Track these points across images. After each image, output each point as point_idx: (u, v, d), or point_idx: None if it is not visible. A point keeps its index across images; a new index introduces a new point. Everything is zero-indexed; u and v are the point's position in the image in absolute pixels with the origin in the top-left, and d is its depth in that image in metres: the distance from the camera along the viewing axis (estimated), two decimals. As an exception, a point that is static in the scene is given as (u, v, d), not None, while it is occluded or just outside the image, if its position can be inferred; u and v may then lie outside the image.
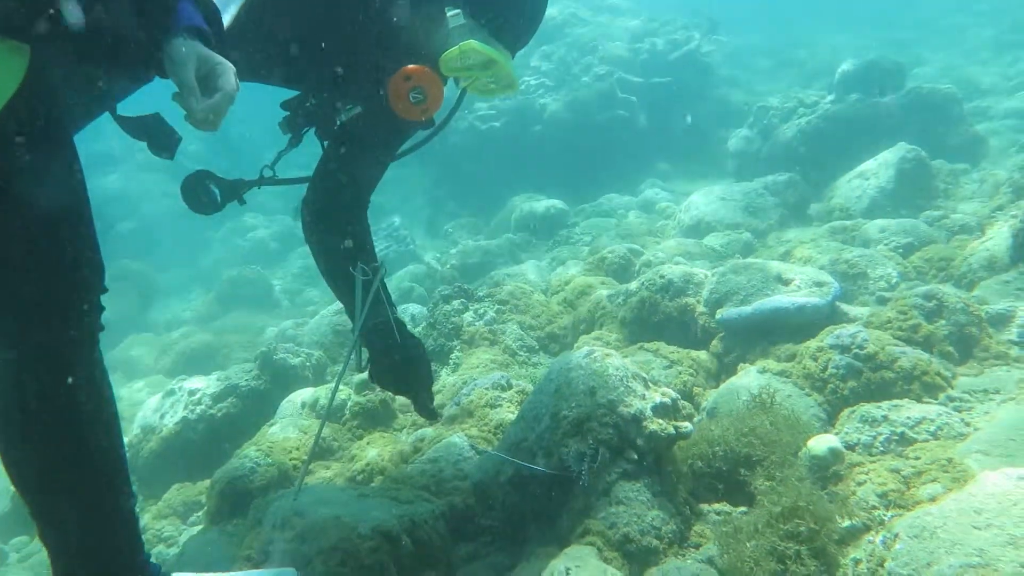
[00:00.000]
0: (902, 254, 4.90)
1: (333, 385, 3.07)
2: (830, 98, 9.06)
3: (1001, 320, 3.61)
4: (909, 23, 19.86)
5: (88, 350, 1.88)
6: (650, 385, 3.03)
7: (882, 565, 2.10)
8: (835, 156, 7.92)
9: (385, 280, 3.08)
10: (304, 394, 4.55)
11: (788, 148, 8.72)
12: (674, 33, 13.21)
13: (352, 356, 3.04)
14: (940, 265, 4.57)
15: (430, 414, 3.15)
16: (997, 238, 4.38)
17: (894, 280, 4.48)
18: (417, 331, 5.60)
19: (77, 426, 1.86)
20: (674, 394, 2.94)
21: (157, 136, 2.06)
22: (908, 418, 2.83)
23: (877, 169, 6.67)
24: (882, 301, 4.22)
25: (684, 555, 2.67)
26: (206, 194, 2.86)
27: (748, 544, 2.32)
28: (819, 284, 3.89)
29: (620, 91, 12.21)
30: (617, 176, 11.03)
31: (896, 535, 2.15)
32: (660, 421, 2.86)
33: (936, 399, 3.09)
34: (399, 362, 3.02)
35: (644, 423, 2.85)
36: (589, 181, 10.92)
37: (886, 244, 5.05)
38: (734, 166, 9.78)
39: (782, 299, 3.83)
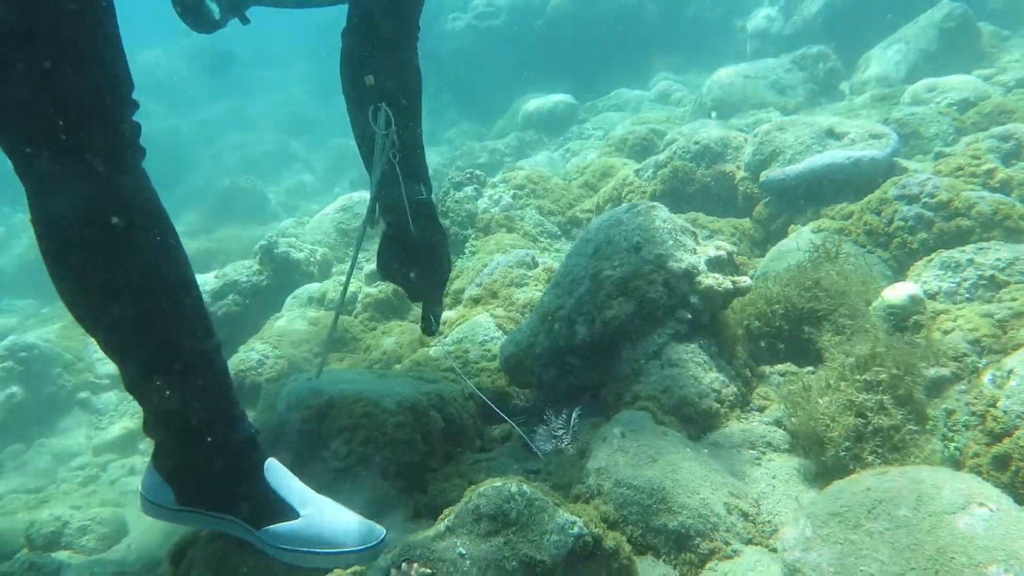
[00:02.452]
0: (957, 111, 4.48)
1: (355, 248, 2.59)
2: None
3: (1082, 162, 3.24)
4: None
5: (136, 155, 1.69)
6: (702, 239, 2.69)
7: (994, 405, 1.79)
8: (866, 28, 7.35)
9: (421, 149, 2.48)
10: (311, 288, 4.24)
11: (814, 23, 8.12)
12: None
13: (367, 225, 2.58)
14: (1001, 119, 4.15)
15: (429, 326, 2.51)
16: (1065, 85, 3.95)
17: (951, 137, 4.08)
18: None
19: (135, 232, 1.67)
20: (730, 247, 2.60)
21: None
22: (998, 260, 2.48)
23: (918, 31, 6.15)
24: (940, 158, 3.83)
25: (747, 418, 2.38)
26: (203, 9, 2.42)
27: (821, 400, 2.02)
28: (876, 136, 3.50)
29: (627, -23, 11.48)
30: (627, 70, 10.45)
31: (1010, 371, 1.83)
32: (715, 276, 2.53)
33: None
34: (410, 250, 2.43)
35: (697, 278, 2.52)
36: (597, 77, 10.36)
37: (938, 103, 4.62)
38: (753, 49, 9.18)
39: (835, 153, 3.44)
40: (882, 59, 6.38)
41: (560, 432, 1.67)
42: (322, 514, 1.93)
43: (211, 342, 1.86)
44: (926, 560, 1.29)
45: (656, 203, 2.74)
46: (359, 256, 5.05)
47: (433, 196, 2.46)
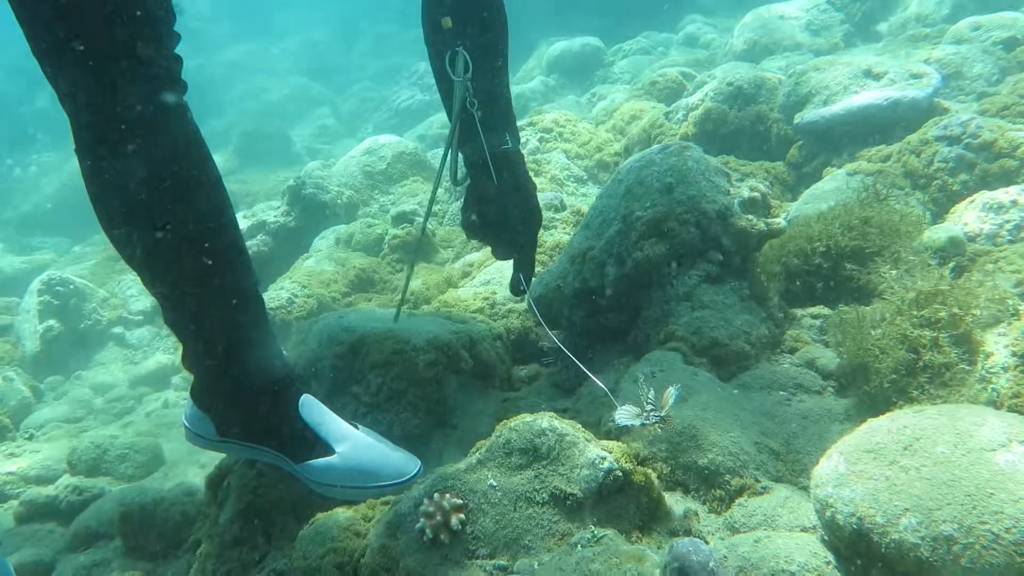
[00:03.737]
0: (1003, 49, 4.32)
1: (431, 192, 2.41)
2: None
3: None
4: None
5: (180, 85, 1.69)
6: (735, 181, 2.64)
7: (1040, 347, 1.76)
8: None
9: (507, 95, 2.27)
10: (338, 230, 4.25)
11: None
12: None
13: (446, 171, 2.31)
14: (1049, 59, 4.01)
15: (517, 286, 2.38)
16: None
17: (995, 77, 3.94)
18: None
19: (179, 154, 1.68)
20: (764, 188, 2.55)
21: None
22: (1043, 201, 2.42)
23: (962, -33, 5.91)
24: (983, 98, 3.71)
25: (778, 360, 2.37)
26: None
27: (873, 332, 2.00)
28: (916, 76, 3.39)
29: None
30: (654, 13, 10.18)
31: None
32: (749, 217, 2.50)
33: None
34: (495, 205, 2.27)
35: (731, 220, 2.48)
36: (624, 20, 10.10)
37: (983, 41, 4.46)
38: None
39: (874, 94, 3.35)
40: (923, -3, 6.16)
41: (650, 409, 1.60)
42: (357, 450, 1.97)
43: (250, 278, 1.88)
44: (963, 496, 1.28)
45: (689, 143, 2.69)
46: (391, 200, 5.05)
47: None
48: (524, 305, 3.03)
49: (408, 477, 1.95)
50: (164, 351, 4.26)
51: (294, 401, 1.98)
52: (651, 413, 1.61)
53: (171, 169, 1.66)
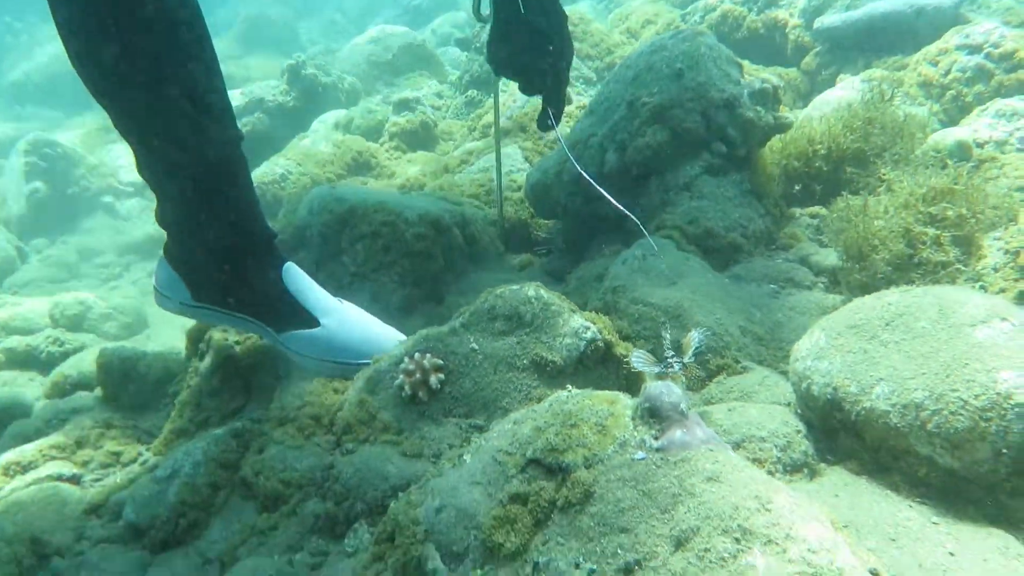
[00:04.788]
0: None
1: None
2: None
3: None
4: None
5: None
6: (747, 69, 2.56)
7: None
8: None
9: None
10: (338, 114, 4.16)
11: None
12: None
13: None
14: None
15: (544, 120, 2.27)
16: None
17: (1024, -4, 3.80)
18: (463, 57, 5.08)
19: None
20: (776, 81, 2.48)
21: None
22: (1059, 111, 2.36)
23: None
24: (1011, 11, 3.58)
25: (772, 256, 2.35)
26: None
27: (875, 223, 1.97)
28: (944, -16, 3.26)
29: None
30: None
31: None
32: (757, 108, 2.44)
33: (1084, 101, 2.59)
34: (523, 35, 2.12)
35: (738, 110, 2.42)
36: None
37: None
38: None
39: (897, 0, 3.23)
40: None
41: (670, 355, 1.53)
42: (344, 324, 1.89)
43: (234, 134, 1.76)
44: (939, 366, 1.28)
45: (703, 29, 2.60)
46: (394, 92, 4.93)
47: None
48: (520, 194, 2.98)
49: None
50: (155, 222, 4.20)
51: (277, 268, 1.87)
52: (672, 359, 1.55)
53: (161, 27, 1.56)
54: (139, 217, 4.40)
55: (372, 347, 1.86)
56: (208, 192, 1.74)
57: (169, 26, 1.57)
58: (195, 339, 2.15)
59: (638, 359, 1.52)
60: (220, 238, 1.79)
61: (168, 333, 2.66)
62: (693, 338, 1.59)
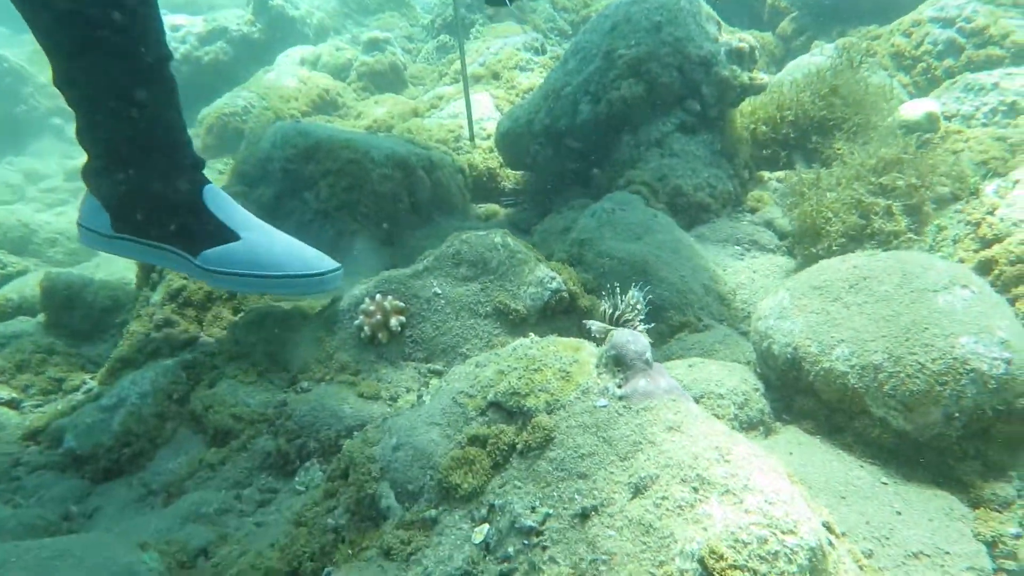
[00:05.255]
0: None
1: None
2: None
3: None
4: None
5: None
6: (724, 29, 2.53)
7: (992, 213, 1.76)
8: None
9: None
10: (304, 49, 4.02)
11: None
12: None
13: None
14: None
15: None
16: None
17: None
18: (433, 3, 4.95)
19: None
20: (753, 41, 2.45)
21: None
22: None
23: None
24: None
25: (739, 217, 2.35)
26: None
27: (829, 194, 1.98)
28: (923, -43, 3.25)
29: None
30: None
31: (1016, 181, 1.79)
32: (734, 67, 2.41)
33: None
34: None
35: (714, 68, 2.40)
36: None
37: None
38: None
39: (877, -30, 3.21)
40: None
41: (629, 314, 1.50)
42: (265, 237, 1.72)
43: (162, 49, 1.61)
44: (899, 329, 1.29)
45: (684, -17, 2.55)
46: (363, 32, 4.78)
47: None
48: (489, 143, 2.93)
49: (320, 272, 1.69)
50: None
51: (198, 190, 1.72)
52: (633, 318, 1.55)
53: None
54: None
55: (296, 260, 1.69)
56: (132, 109, 1.60)
57: None
58: (147, 268, 2.08)
59: (597, 326, 1.52)
60: (143, 156, 1.66)
61: (119, 262, 2.56)
62: (634, 296, 1.59)
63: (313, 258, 1.70)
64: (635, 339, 1.16)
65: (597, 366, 1.16)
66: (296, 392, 1.66)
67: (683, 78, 2.40)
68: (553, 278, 1.78)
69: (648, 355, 1.14)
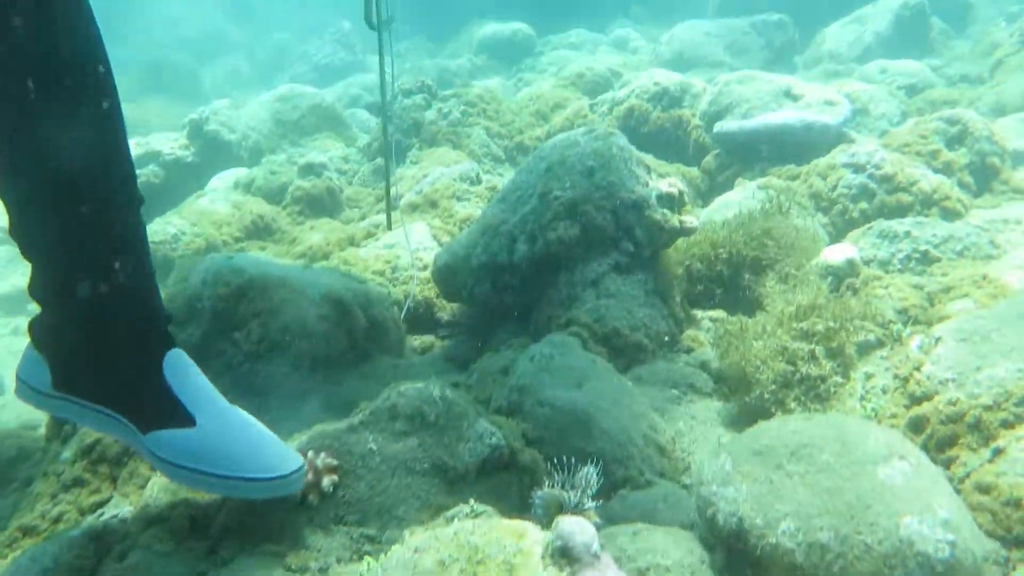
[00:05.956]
0: (905, 94, 4.55)
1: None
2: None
3: (1019, 158, 3.33)
4: None
5: None
6: (654, 174, 2.64)
7: (919, 369, 1.83)
8: (824, 5, 7.42)
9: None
10: (239, 172, 4.01)
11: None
12: None
13: None
14: (944, 108, 4.24)
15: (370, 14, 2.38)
16: (1009, 83, 4.05)
17: (896, 119, 4.14)
18: (372, 124, 5.05)
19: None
20: (682, 185, 2.56)
21: None
22: (934, 235, 2.54)
23: (876, 14, 6.22)
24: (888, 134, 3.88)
25: (674, 358, 2.38)
26: None
27: (755, 343, 2.03)
28: (830, 104, 3.51)
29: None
30: (587, 13, 10.22)
31: (938, 339, 1.87)
32: (664, 211, 2.50)
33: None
34: None
35: (646, 212, 2.48)
36: (557, 15, 10.07)
37: (888, 83, 4.68)
38: (715, 8, 9.10)
39: (790, 114, 3.44)
40: (837, 37, 6.45)
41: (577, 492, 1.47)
42: (225, 427, 1.54)
43: (130, 191, 1.51)
44: (844, 505, 1.29)
45: (615, 130, 2.67)
46: (299, 153, 4.82)
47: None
48: (426, 273, 2.93)
49: (282, 475, 1.50)
50: (23, 272, 3.84)
51: (159, 355, 1.56)
52: (581, 497, 1.47)
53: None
54: (5, 267, 4.01)
55: (255, 461, 1.51)
56: (99, 259, 1.49)
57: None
58: (55, 429, 1.95)
59: (541, 500, 1.45)
60: (106, 312, 1.51)
61: (24, 406, 2.38)
62: (589, 476, 1.52)
63: (276, 458, 1.53)
64: (582, 529, 1.12)
65: (543, 556, 1.11)
66: (216, 565, 1.55)
67: (616, 221, 2.47)
68: (493, 433, 1.74)
69: (595, 547, 1.10)
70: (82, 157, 1.43)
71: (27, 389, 1.62)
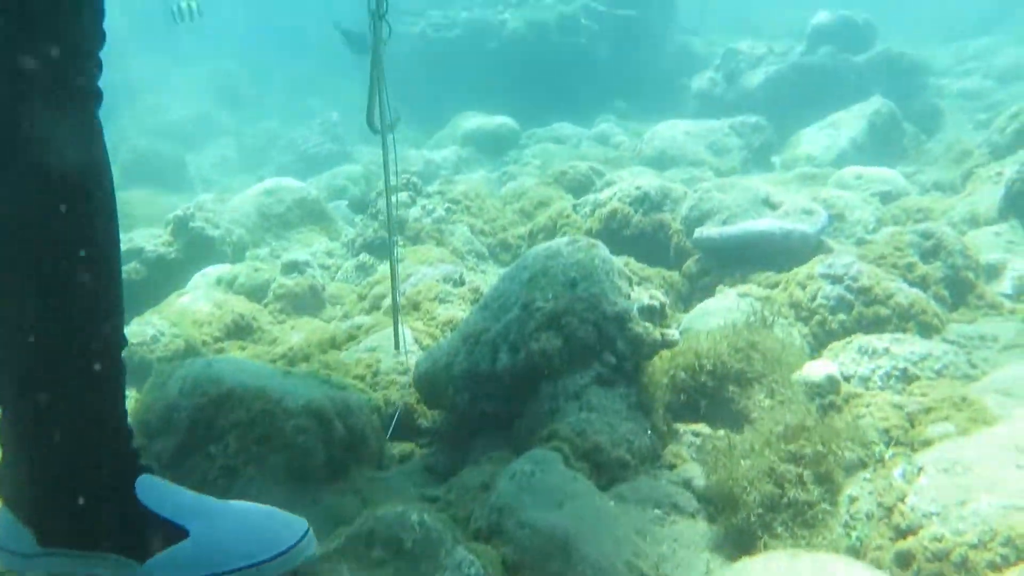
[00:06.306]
0: (880, 201, 4.69)
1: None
2: (800, 49, 8.81)
3: (992, 272, 3.41)
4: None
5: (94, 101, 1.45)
6: (635, 285, 2.67)
7: (903, 500, 1.82)
8: (801, 108, 7.76)
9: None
10: (221, 269, 4.01)
11: (754, 94, 8.47)
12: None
13: None
14: (918, 216, 4.38)
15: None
16: (980, 194, 4.19)
17: (872, 226, 4.25)
18: (357, 220, 5.12)
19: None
20: (663, 298, 2.59)
21: None
22: (912, 352, 2.57)
23: (849, 120, 6.48)
24: (861, 243, 3.98)
25: (657, 475, 2.35)
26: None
27: (743, 463, 2.02)
28: (808, 212, 3.61)
29: (584, 18, 11.67)
30: (570, 108, 10.54)
31: (920, 468, 1.87)
32: (646, 324, 2.52)
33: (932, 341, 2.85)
34: None
35: (628, 324, 2.49)
36: (541, 109, 10.39)
37: (863, 190, 4.83)
38: (695, 108, 9.46)
39: (769, 222, 3.53)
40: (813, 140, 6.69)
41: None
42: (217, 525, 1.50)
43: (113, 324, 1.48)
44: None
45: (597, 241, 2.71)
46: (283, 246, 4.86)
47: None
48: (407, 378, 2.91)
49: (290, 546, 1.48)
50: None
51: (131, 482, 1.50)
52: None
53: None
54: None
55: (259, 542, 1.48)
56: (74, 408, 1.43)
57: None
58: None
59: None
60: (81, 462, 1.46)
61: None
62: None
63: (278, 531, 1.51)
64: None
65: None
66: None
67: (599, 332, 2.48)
68: (472, 563, 1.70)
69: None
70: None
71: (9, 555, 1.52)
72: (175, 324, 3.19)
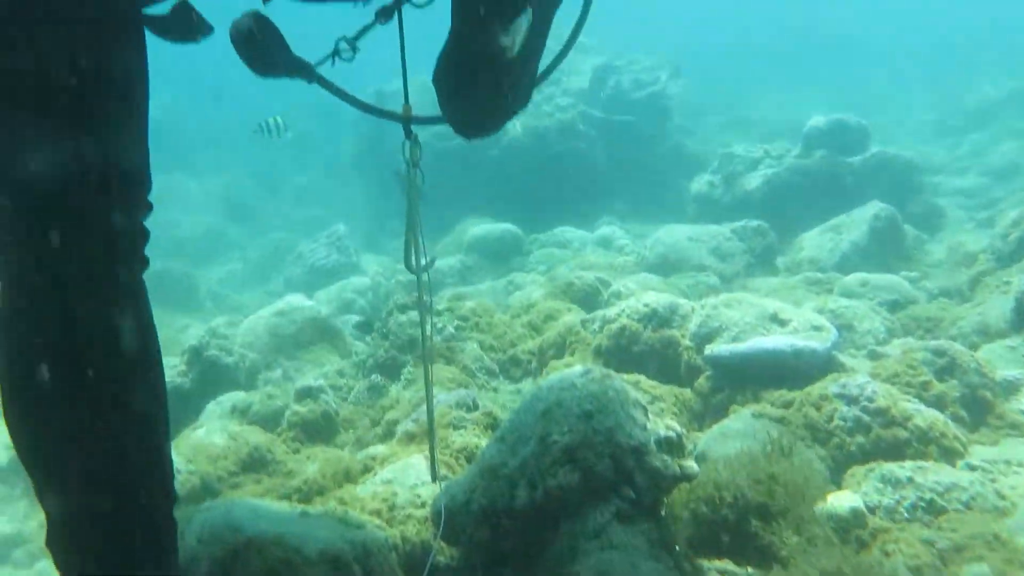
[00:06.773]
0: (888, 311, 4.73)
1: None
2: (796, 151, 9.07)
3: (1009, 388, 3.41)
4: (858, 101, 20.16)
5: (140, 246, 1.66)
6: (651, 415, 2.67)
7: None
8: (799, 209, 7.92)
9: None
10: (235, 397, 4.04)
11: (752, 196, 8.67)
12: (639, 72, 13.13)
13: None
14: (927, 326, 4.41)
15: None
16: (989, 304, 4.24)
17: (882, 336, 4.28)
18: (368, 340, 5.16)
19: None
20: (679, 428, 2.59)
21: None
22: (936, 482, 2.54)
23: (850, 224, 6.60)
24: (873, 356, 4.00)
25: (683, 617, 2.30)
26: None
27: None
28: (817, 328, 3.64)
29: (581, 124, 12.07)
30: (572, 211, 10.75)
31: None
32: (664, 457, 2.51)
33: (954, 466, 2.81)
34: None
35: (646, 457, 2.48)
36: (543, 213, 10.61)
37: (870, 299, 4.89)
38: (694, 211, 9.66)
39: (779, 340, 3.55)
40: (816, 244, 6.79)
41: None
42: None
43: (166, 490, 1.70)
44: None
45: (611, 371, 2.74)
46: (294, 367, 4.88)
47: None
48: (424, 511, 2.88)
49: None
50: (9, 517, 3.73)
51: None
52: None
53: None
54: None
55: None
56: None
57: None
58: None
59: None
60: None
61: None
62: None
63: None
64: None
65: None
66: None
67: (616, 466, 2.47)
68: None
69: None
70: None
71: None
72: (190, 460, 3.19)
